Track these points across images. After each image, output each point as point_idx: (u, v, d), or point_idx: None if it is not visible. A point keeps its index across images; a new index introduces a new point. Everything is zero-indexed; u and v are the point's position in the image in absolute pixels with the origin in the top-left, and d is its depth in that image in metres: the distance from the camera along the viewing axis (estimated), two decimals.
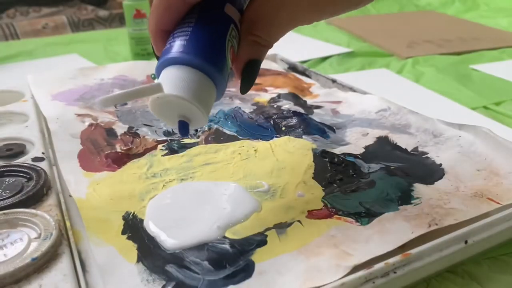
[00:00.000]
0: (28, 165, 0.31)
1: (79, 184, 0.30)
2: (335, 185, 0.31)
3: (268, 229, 0.26)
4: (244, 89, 0.26)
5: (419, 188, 0.30)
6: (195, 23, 0.23)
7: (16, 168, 0.31)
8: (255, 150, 0.35)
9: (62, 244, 0.24)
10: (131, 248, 0.25)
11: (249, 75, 0.26)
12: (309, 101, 0.47)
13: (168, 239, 0.25)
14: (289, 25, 0.26)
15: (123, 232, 0.26)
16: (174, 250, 0.24)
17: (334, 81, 0.51)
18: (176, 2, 0.24)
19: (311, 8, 0.25)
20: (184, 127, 0.23)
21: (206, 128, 0.39)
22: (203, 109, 0.22)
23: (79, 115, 0.41)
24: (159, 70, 0.23)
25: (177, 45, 0.23)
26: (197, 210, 0.28)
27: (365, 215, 0.27)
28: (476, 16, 1.02)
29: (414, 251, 0.23)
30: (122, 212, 0.28)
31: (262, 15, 0.25)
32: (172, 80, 0.22)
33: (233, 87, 0.50)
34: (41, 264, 0.23)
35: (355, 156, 0.35)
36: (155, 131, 0.39)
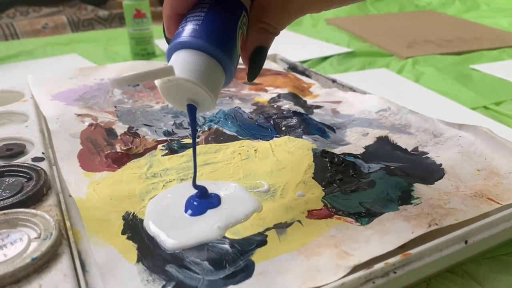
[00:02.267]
0: (28, 165, 0.31)
1: (79, 184, 0.30)
2: (335, 185, 0.31)
3: (268, 229, 0.26)
4: (252, 76, 0.27)
5: (419, 188, 0.30)
6: (208, 8, 0.24)
7: (16, 168, 0.31)
8: (255, 150, 0.35)
9: (62, 244, 0.24)
10: (131, 248, 0.25)
11: (257, 62, 0.26)
12: (309, 101, 0.47)
13: (168, 239, 0.25)
14: (298, 13, 0.26)
15: (123, 232, 0.26)
16: (174, 250, 0.24)
17: (334, 81, 0.51)
18: None
19: None
20: (192, 110, 0.24)
21: (206, 128, 0.39)
22: (212, 93, 0.23)
23: (79, 115, 0.41)
24: (170, 52, 0.23)
25: (189, 29, 0.23)
26: None
27: (365, 215, 0.27)
28: (476, 16, 1.02)
29: (414, 251, 0.23)
30: (122, 212, 0.28)
31: (272, 2, 0.25)
32: (183, 63, 0.22)
33: (233, 87, 0.50)
34: (41, 264, 0.23)
35: (355, 156, 0.35)
36: (155, 131, 0.39)
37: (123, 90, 0.42)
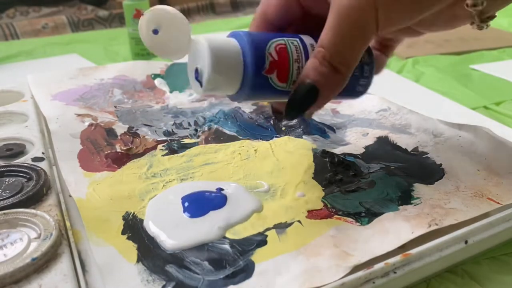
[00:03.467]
0: (28, 165, 0.31)
1: (79, 184, 0.30)
2: (335, 185, 0.31)
3: (268, 229, 0.26)
4: (288, 112, 0.25)
5: (419, 188, 0.30)
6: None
7: (16, 168, 0.31)
8: (255, 150, 0.35)
9: (62, 244, 0.24)
10: (131, 248, 0.25)
11: (297, 98, 0.25)
12: None
13: (168, 240, 0.25)
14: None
15: (123, 232, 0.26)
16: (174, 250, 0.24)
17: None
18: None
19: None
20: (197, 75, 0.26)
21: (206, 128, 0.39)
22: (216, 65, 0.24)
23: (79, 115, 0.41)
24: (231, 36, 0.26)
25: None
26: None
27: (365, 215, 0.27)
28: None
29: (414, 251, 0.23)
30: (122, 212, 0.28)
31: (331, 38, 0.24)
32: (219, 39, 0.25)
33: None
34: (41, 264, 0.23)
35: (355, 156, 0.35)
36: (155, 131, 0.39)
37: None
